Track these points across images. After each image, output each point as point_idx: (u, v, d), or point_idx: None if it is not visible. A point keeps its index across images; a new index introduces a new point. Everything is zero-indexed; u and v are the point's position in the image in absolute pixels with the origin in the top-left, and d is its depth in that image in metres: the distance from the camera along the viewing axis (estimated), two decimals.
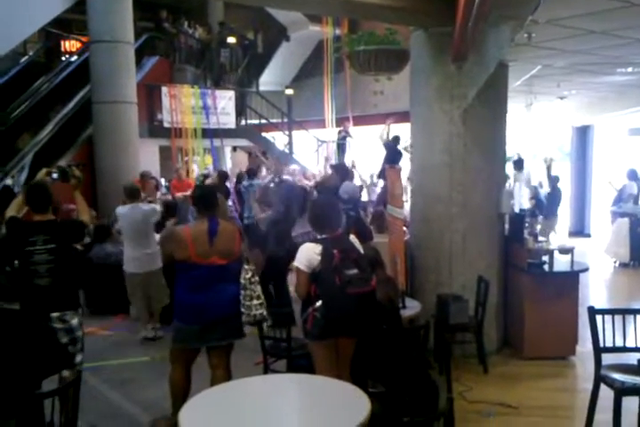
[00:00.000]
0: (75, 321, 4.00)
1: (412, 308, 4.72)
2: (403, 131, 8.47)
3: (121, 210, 6.07)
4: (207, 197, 4.07)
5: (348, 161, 14.42)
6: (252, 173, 9.60)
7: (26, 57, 12.98)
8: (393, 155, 9.17)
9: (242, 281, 3.88)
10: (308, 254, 3.59)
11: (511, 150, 11.39)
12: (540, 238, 5.98)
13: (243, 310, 3.86)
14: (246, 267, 3.91)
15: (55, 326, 3.92)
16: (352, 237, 3.80)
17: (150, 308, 6.25)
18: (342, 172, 7.16)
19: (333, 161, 13.48)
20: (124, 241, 6.21)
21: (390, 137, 9.17)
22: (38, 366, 3.26)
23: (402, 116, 8.45)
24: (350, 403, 2.92)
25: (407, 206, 6.53)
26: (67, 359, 3.84)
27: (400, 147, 9.17)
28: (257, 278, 3.95)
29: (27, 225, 3.95)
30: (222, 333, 3.92)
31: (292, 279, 7.47)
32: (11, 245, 3.91)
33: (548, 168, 11.44)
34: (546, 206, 10.80)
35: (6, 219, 4.09)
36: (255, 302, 3.88)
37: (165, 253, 3.96)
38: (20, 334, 3.45)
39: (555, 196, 10.85)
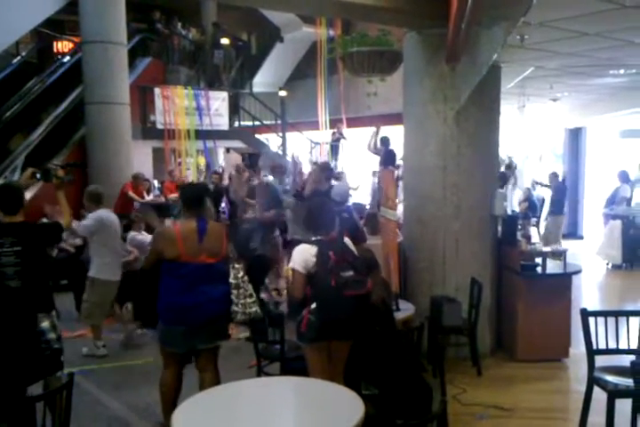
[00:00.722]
0: (45, 324, 3.90)
1: (405, 310, 4.71)
2: (395, 133, 8.46)
3: (103, 214, 5.80)
4: (196, 195, 4.05)
5: (340, 163, 14.45)
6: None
7: (18, 57, 12.91)
8: (387, 157, 9.17)
9: (234, 281, 3.90)
10: (303, 255, 3.57)
11: (503, 152, 11.41)
12: (544, 247, 5.94)
13: (237, 308, 3.88)
14: (237, 266, 3.98)
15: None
16: (346, 240, 3.79)
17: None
18: (327, 171, 7.13)
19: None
20: (102, 249, 5.78)
21: (378, 144, 9.13)
22: (24, 370, 3.22)
23: (395, 118, 8.44)
24: (344, 405, 2.91)
25: (400, 208, 6.53)
26: (55, 362, 3.80)
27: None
28: (247, 277, 4.00)
29: None
30: (209, 335, 3.89)
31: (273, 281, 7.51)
32: None
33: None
34: (552, 203, 10.64)
35: None
36: (249, 300, 3.93)
37: (156, 251, 3.87)
38: (6, 337, 3.40)
39: (560, 191, 10.66)
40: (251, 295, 3.94)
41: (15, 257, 3.80)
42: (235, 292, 3.87)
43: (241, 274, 3.92)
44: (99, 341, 5.88)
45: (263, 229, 7.18)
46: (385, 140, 9.56)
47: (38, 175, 4.34)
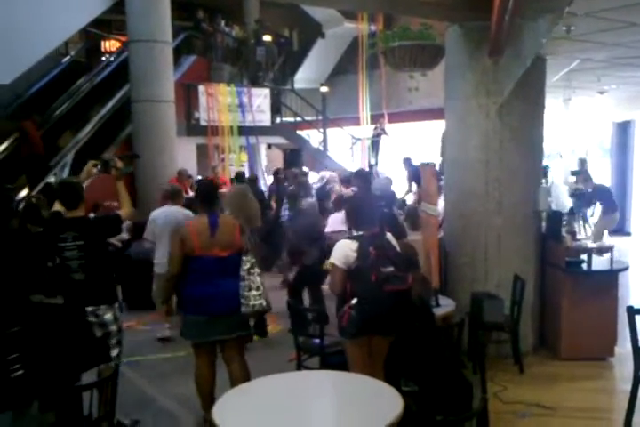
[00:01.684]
0: (108, 316, 4.06)
1: (445, 306, 4.68)
2: (437, 128, 8.40)
3: (163, 211, 6.06)
4: (207, 192, 4.25)
5: (380, 158, 14.40)
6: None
7: (67, 57, 13.26)
8: (414, 175, 9.17)
9: (241, 273, 3.95)
10: (344, 251, 3.59)
11: (549, 147, 11.13)
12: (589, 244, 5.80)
13: (242, 300, 3.92)
14: (244, 258, 3.99)
15: (89, 319, 4.01)
16: (389, 235, 3.79)
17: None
18: (362, 178, 6.91)
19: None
20: (160, 242, 5.98)
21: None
22: (77, 360, 3.34)
23: (437, 113, 8.37)
24: (383, 401, 2.92)
25: (441, 204, 6.47)
26: (104, 353, 3.92)
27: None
28: (257, 270, 4.02)
29: (58, 222, 4.06)
30: (226, 326, 3.99)
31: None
32: (45, 240, 4.01)
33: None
34: (604, 202, 9.89)
35: (50, 212, 4.23)
36: (254, 292, 3.94)
37: (178, 248, 3.98)
38: (59, 328, 3.53)
39: (604, 191, 10.01)
40: (257, 288, 3.96)
41: (78, 251, 3.96)
42: (240, 284, 3.93)
43: (247, 266, 3.97)
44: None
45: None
46: (407, 160, 9.53)
47: (99, 167, 4.47)
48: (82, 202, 4.11)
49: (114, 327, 4.11)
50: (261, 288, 3.98)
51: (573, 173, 10.62)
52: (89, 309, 4.00)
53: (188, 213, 6.13)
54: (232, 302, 3.93)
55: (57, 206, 4.22)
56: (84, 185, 4.29)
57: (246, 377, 4.05)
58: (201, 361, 4.12)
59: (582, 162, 10.64)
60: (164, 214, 5.99)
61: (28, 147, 9.61)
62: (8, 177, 9.29)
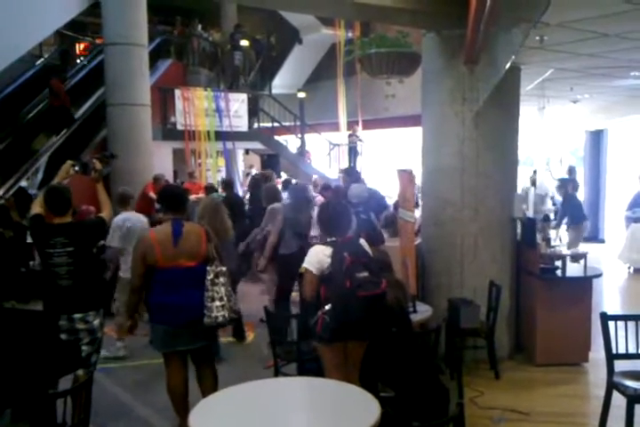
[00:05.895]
0: (97, 322, 4.04)
1: (422, 312, 4.70)
2: (414, 135, 8.45)
3: (130, 217, 5.91)
4: (172, 197, 4.02)
5: (359, 165, 14.47)
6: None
7: (41, 59, 13.09)
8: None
9: (205, 283, 3.81)
10: (318, 256, 3.58)
11: (523, 154, 11.26)
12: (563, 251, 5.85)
13: (205, 311, 3.78)
14: (208, 268, 3.82)
15: (78, 326, 3.95)
16: (362, 241, 3.79)
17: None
18: (353, 176, 7.15)
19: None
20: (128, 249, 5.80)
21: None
22: (52, 367, 3.28)
23: (414, 120, 8.44)
24: (360, 407, 2.91)
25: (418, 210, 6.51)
26: (81, 359, 3.87)
27: None
28: (222, 280, 3.85)
29: (47, 227, 3.99)
30: (190, 336, 3.88)
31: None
32: (33, 243, 3.95)
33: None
34: (570, 212, 9.76)
35: (31, 215, 4.14)
36: (217, 303, 3.79)
37: (140, 258, 3.78)
38: (33, 335, 3.47)
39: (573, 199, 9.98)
40: (221, 299, 3.80)
41: (67, 257, 3.91)
42: (204, 294, 3.79)
43: (211, 276, 3.80)
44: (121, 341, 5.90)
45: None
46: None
47: (77, 168, 4.39)
48: (70, 208, 4.05)
49: (100, 334, 4.09)
50: (225, 299, 3.82)
51: (561, 181, 10.74)
52: (78, 315, 3.94)
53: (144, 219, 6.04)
54: (196, 313, 3.79)
55: (36, 209, 4.13)
56: None
57: (214, 386, 3.99)
58: (171, 370, 4.01)
59: (571, 170, 10.77)
60: (131, 220, 5.87)
61: (56, 99, 11.16)
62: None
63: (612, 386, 3.87)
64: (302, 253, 3.64)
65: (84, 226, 4.24)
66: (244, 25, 15.44)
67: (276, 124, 14.98)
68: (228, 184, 9.05)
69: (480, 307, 5.19)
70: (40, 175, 10.05)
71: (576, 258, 6.00)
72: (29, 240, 4.94)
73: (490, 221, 5.47)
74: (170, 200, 3.99)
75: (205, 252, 3.89)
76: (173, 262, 3.79)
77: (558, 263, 5.63)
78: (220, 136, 12.96)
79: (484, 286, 5.35)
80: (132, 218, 5.92)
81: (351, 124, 15.08)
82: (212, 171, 13.43)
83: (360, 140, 14.61)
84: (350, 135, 14.80)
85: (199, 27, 15.12)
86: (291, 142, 16.00)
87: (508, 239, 5.65)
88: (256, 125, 14.42)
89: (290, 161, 14.86)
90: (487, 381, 5.06)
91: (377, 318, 3.59)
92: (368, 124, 15.20)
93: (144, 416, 4.56)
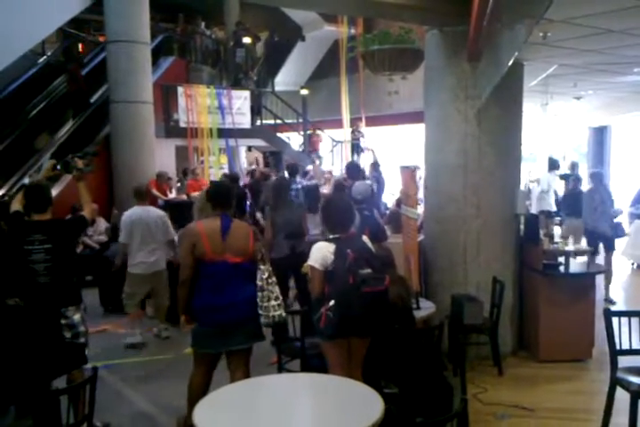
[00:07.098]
0: (77, 316, 4.05)
1: (426, 308, 4.70)
2: (417, 132, 8.44)
3: (136, 211, 6.02)
4: (220, 193, 4.03)
5: (362, 161, 14.46)
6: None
7: (44, 57, 13.09)
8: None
9: (259, 282, 3.81)
10: (322, 253, 3.59)
11: (526, 150, 11.21)
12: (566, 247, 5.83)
13: (260, 311, 3.77)
14: (262, 267, 3.83)
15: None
16: (364, 238, 3.80)
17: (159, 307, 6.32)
18: (355, 172, 7.15)
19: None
20: (132, 244, 5.97)
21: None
22: (52, 364, 3.29)
23: (416, 117, 8.42)
24: (363, 403, 2.92)
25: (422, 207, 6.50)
26: (80, 355, 3.88)
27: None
28: (274, 279, 3.87)
29: (25, 224, 4.00)
30: (242, 336, 3.85)
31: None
32: (10, 241, 3.95)
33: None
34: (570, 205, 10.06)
35: (11, 212, 4.15)
36: (273, 302, 3.79)
37: (188, 249, 3.78)
38: (31, 332, 3.48)
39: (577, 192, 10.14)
40: (277, 298, 3.80)
41: (45, 254, 3.92)
42: (259, 294, 3.80)
43: (266, 275, 3.81)
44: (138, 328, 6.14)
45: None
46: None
47: (58, 167, 4.40)
48: (50, 205, 4.06)
49: (82, 328, 4.09)
50: (280, 298, 3.84)
51: (563, 177, 10.68)
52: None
53: (163, 213, 6.16)
54: (247, 311, 3.79)
55: (16, 206, 4.14)
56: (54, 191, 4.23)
57: None
58: (199, 370, 3.96)
59: (573, 165, 10.72)
60: (138, 215, 5.98)
61: (74, 84, 11.97)
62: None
63: (615, 382, 3.87)
64: (294, 256, 3.61)
65: (62, 223, 4.24)
66: (247, 22, 15.42)
67: (278, 122, 14.97)
68: (234, 178, 9.07)
69: (483, 303, 5.19)
70: (43, 173, 10.05)
71: (579, 254, 5.99)
72: None
73: (493, 217, 5.46)
74: (217, 196, 4.00)
75: (252, 250, 3.89)
76: (221, 256, 3.78)
77: (561, 259, 5.63)
78: (223, 133, 12.97)
79: (487, 282, 5.36)
80: (138, 211, 6.02)
81: (354, 121, 15.06)
82: (215, 168, 13.42)
83: (362, 137, 14.59)
84: (353, 131, 14.78)
85: (202, 24, 15.11)
86: (293, 139, 15.99)
87: (511, 236, 5.64)
88: (259, 123, 14.41)
89: (292, 158, 14.84)
90: (490, 377, 5.07)
91: (380, 315, 3.59)
92: (371, 121, 15.17)
93: (147, 412, 4.58)
